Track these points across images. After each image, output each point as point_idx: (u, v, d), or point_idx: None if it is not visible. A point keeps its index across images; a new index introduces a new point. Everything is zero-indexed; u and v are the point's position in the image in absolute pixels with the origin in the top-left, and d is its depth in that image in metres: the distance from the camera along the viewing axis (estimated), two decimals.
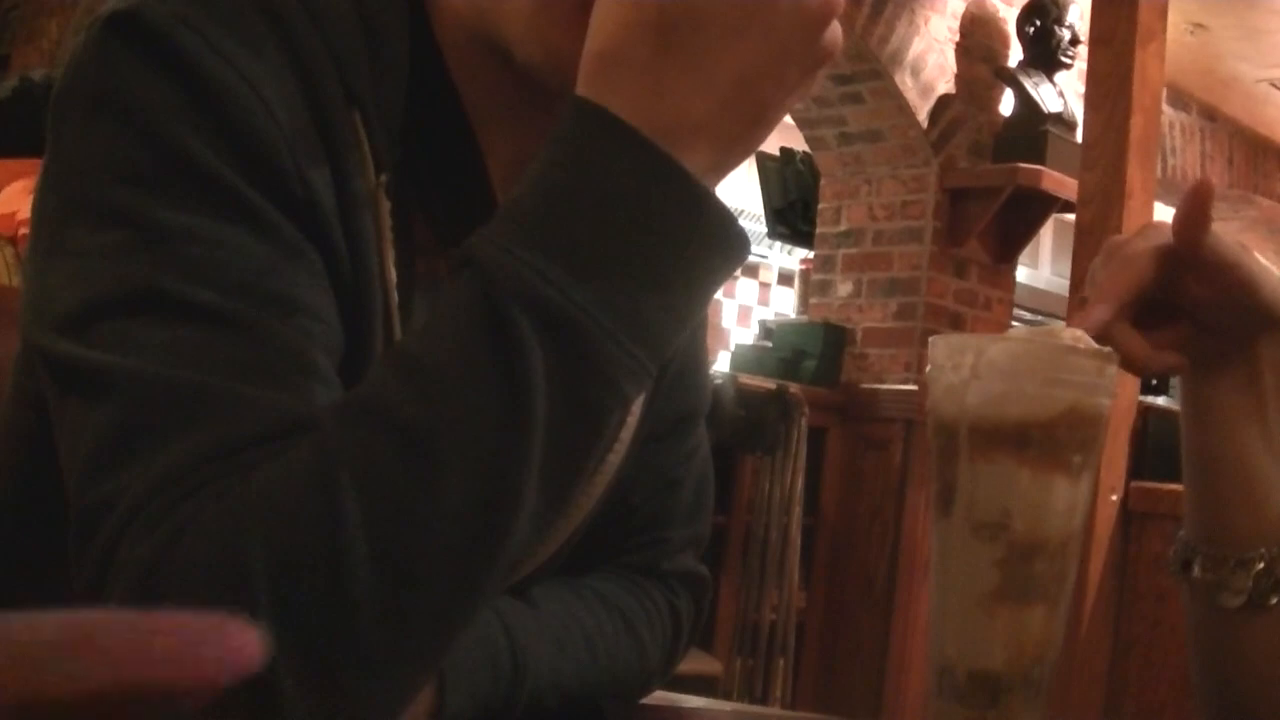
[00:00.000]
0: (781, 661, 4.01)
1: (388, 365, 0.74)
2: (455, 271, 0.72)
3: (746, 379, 4.36)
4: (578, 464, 0.74)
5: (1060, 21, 5.45)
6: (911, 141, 5.37)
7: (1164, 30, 3.62)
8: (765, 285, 8.68)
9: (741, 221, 0.75)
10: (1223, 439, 0.93)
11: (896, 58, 5.28)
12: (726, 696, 3.88)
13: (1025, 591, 0.74)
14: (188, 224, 0.76)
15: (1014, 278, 5.73)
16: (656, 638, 1.10)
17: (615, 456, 1.02)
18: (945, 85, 5.45)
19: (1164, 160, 6.51)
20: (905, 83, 5.31)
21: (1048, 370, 0.73)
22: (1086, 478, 0.74)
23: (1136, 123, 3.49)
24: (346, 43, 0.86)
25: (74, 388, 0.76)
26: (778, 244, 7.21)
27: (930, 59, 5.40)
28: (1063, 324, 0.87)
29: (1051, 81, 5.47)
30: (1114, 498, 3.39)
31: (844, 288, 5.54)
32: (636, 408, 1.02)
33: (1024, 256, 5.88)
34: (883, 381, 5.29)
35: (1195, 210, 0.89)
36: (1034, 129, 5.37)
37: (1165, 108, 5.63)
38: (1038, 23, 5.48)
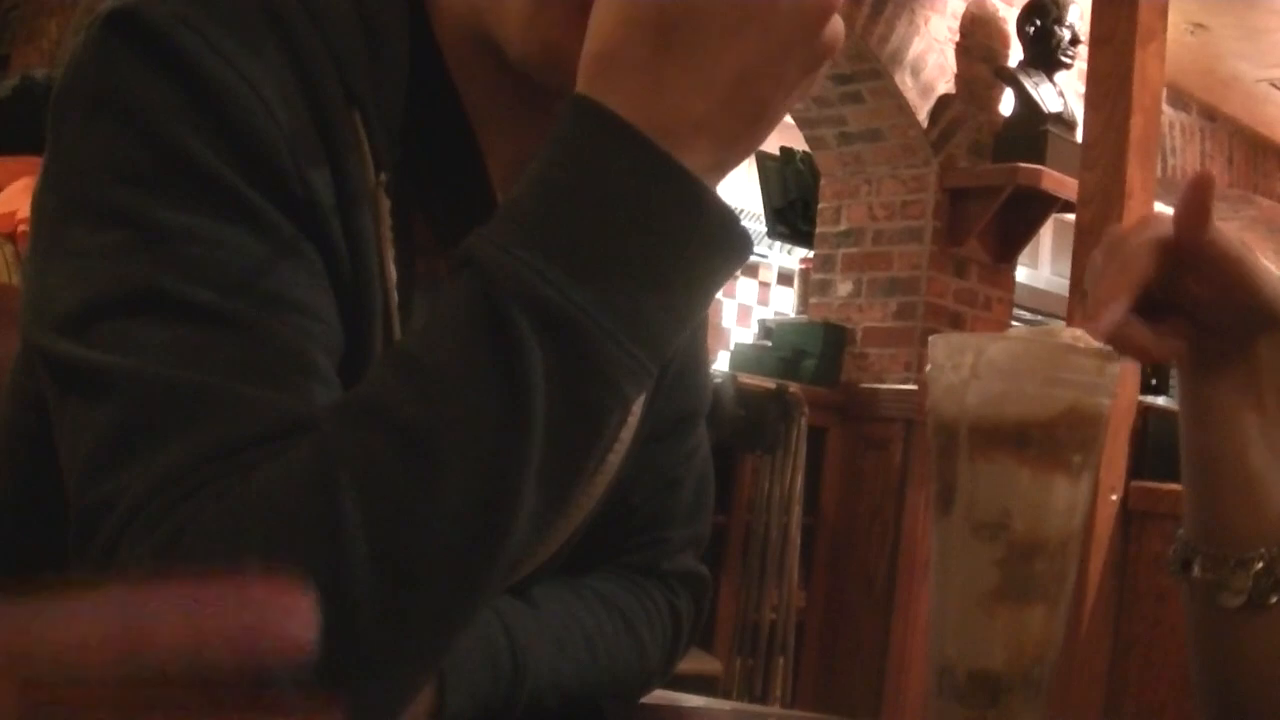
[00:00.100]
0: (781, 661, 4.01)
1: (387, 365, 0.74)
2: (455, 271, 0.72)
3: (746, 378, 4.36)
4: (578, 464, 0.74)
5: (1060, 21, 5.45)
6: (911, 141, 5.37)
7: (1164, 30, 3.62)
8: (765, 285, 8.68)
9: (741, 221, 0.75)
10: (1222, 438, 0.93)
11: (896, 57, 5.28)
12: (726, 696, 3.88)
13: (1025, 591, 0.74)
14: (187, 224, 0.76)
15: (1014, 277, 5.73)
16: (656, 637, 1.10)
17: (615, 456, 1.02)
18: (945, 85, 5.45)
19: (1164, 160, 6.51)
20: (905, 82, 5.31)
21: (1048, 370, 0.73)
22: (1086, 477, 0.74)
23: (1136, 122, 3.49)
24: (346, 42, 0.86)
25: (74, 388, 0.76)
26: (777, 243, 7.21)
27: (930, 59, 5.40)
28: (1062, 323, 0.87)
29: (1051, 81, 5.47)
30: (1114, 497, 3.39)
31: (844, 287, 5.54)
32: (636, 408, 1.02)
33: (1024, 256, 5.88)
34: (883, 381, 5.29)
35: (1196, 202, 0.89)
36: (1034, 129, 5.37)
37: (1165, 107, 5.62)
38: (1038, 22, 5.48)
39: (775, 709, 3.64)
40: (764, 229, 6.42)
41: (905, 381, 5.20)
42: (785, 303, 8.17)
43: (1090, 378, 0.73)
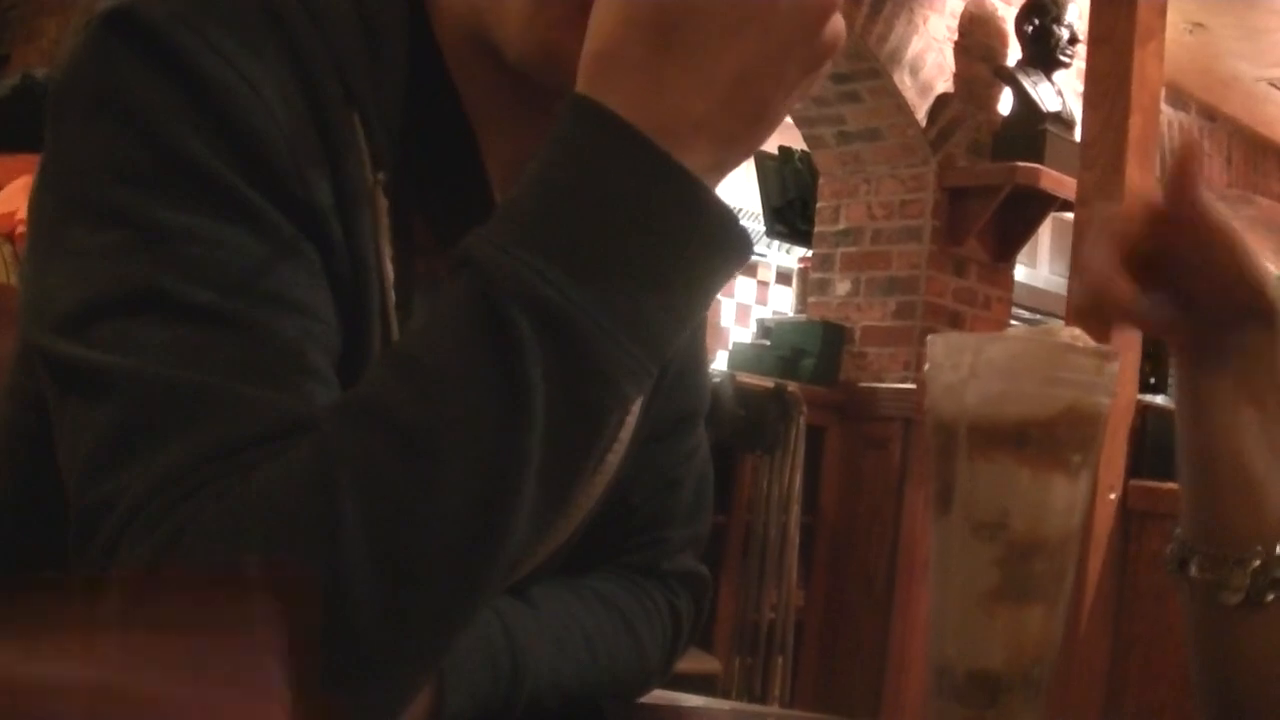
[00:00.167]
0: (780, 660, 4.02)
1: (387, 365, 0.74)
2: (454, 271, 0.72)
3: (745, 378, 4.36)
4: (577, 463, 0.74)
5: (1059, 20, 5.45)
6: (910, 140, 5.37)
7: (1163, 29, 3.62)
8: (764, 284, 8.68)
9: (741, 221, 0.75)
10: (1218, 436, 0.93)
11: (895, 56, 5.28)
12: (725, 695, 3.88)
13: (1024, 591, 0.73)
14: (187, 224, 0.76)
15: (1013, 276, 5.73)
16: (656, 637, 1.10)
17: (614, 456, 1.02)
18: (944, 84, 5.45)
19: (1163, 159, 6.50)
20: (904, 81, 5.31)
21: (1046, 369, 0.73)
22: (1085, 476, 0.74)
23: (1135, 122, 3.49)
24: (346, 42, 0.86)
25: (74, 388, 0.76)
26: (776, 243, 7.21)
27: (929, 58, 5.40)
28: (1061, 322, 0.87)
29: (1050, 80, 5.47)
30: (1112, 496, 3.39)
31: (842, 286, 5.54)
32: (635, 407, 1.02)
33: (1022, 255, 5.88)
34: (881, 380, 5.29)
35: (1184, 168, 0.89)
36: (1033, 128, 5.38)
37: (1164, 107, 5.63)
38: (1036, 22, 5.48)
39: (774, 709, 3.65)
40: (762, 228, 6.42)
41: (904, 381, 5.20)
42: (784, 302, 8.17)
43: (1089, 377, 0.73)
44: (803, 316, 5.84)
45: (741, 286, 8.55)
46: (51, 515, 0.78)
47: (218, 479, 0.69)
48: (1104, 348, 0.75)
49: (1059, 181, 5.15)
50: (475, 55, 0.90)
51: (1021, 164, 5.24)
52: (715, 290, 0.76)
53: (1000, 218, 5.37)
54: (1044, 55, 5.47)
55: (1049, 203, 5.37)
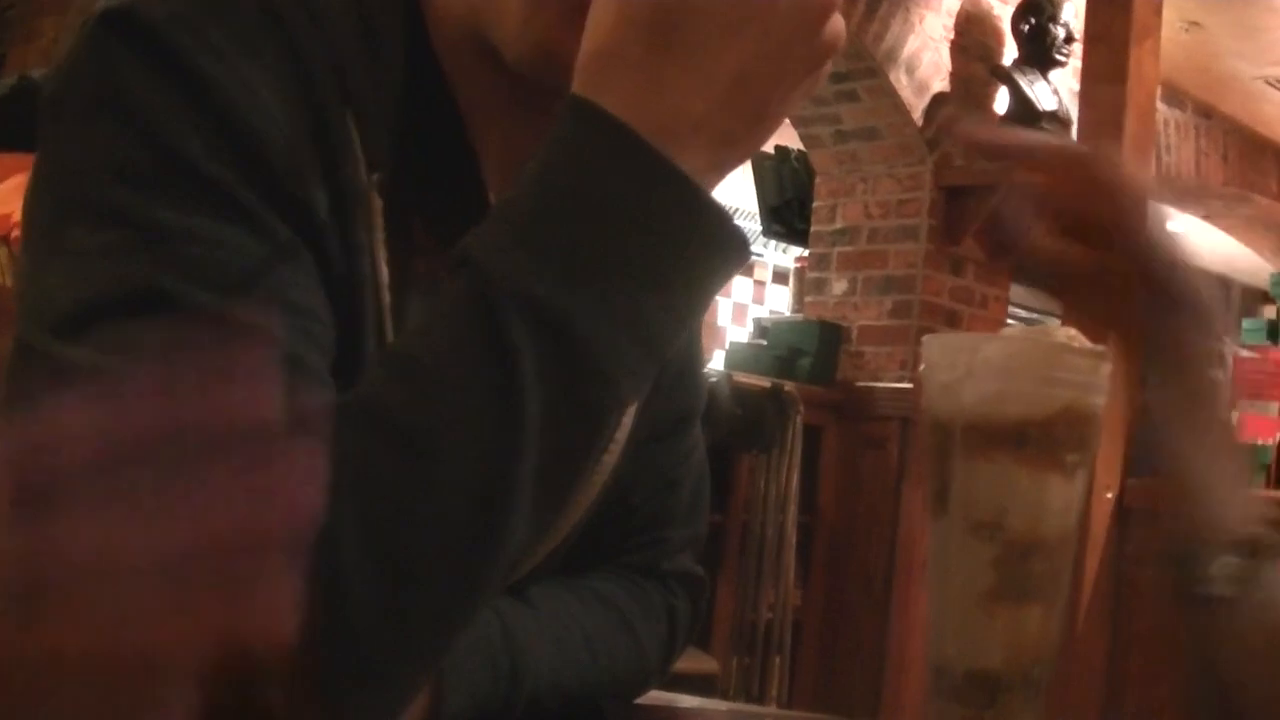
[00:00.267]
0: (778, 660, 4.01)
1: (385, 366, 0.74)
2: (452, 272, 0.72)
3: (742, 377, 4.36)
4: (575, 464, 0.74)
5: (1055, 19, 5.46)
6: (907, 139, 5.37)
7: (1159, 27, 3.63)
8: (760, 283, 8.69)
9: (737, 220, 0.75)
10: (1164, 435, 0.93)
11: (892, 56, 5.28)
12: (723, 695, 3.88)
13: (1022, 591, 0.73)
14: (186, 224, 0.76)
15: (1010, 275, 5.73)
16: (654, 638, 1.10)
17: (610, 457, 1.02)
18: (940, 83, 5.45)
19: (1159, 158, 6.52)
20: (900, 81, 5.31)
21: (1043, 369, 0.73)
22: (1082, 476, 0.74)
23: (1131, 121, 3.49)
24: (345, 43, 0.86)
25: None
26: (773, 242, 7.21)
27: (925, 57, 5.40)
28: (1057, 322, 0.87)
29: (1046, 79, 5.47)
30: (1109, 495, 3.40)
31: (839, 285, 5.54)
32: (631, 407, 1.02)
33: None
34: (879, 379, 5.29)
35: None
36: (1029, 126, 5.37)
37: (1160, 105, 5.63)
38: (1032, 20, 5.49)
39: (771, 709, 3.65)
40: (759, 228, 6.42)
41: (901, 380, 5.20)
42: (781, 301, 8.18)
43: (1085, 377, 0.73)
44: (799, 316, 5.84)
45: (738, 286, 8.55)
46: None
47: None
48: (1100, 348, 0.75)
49: None
50: (472, 56, 0.90)
51: None
52: (713, 291, 0.76)
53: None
54: (1040, 54, 5.47)
55: None
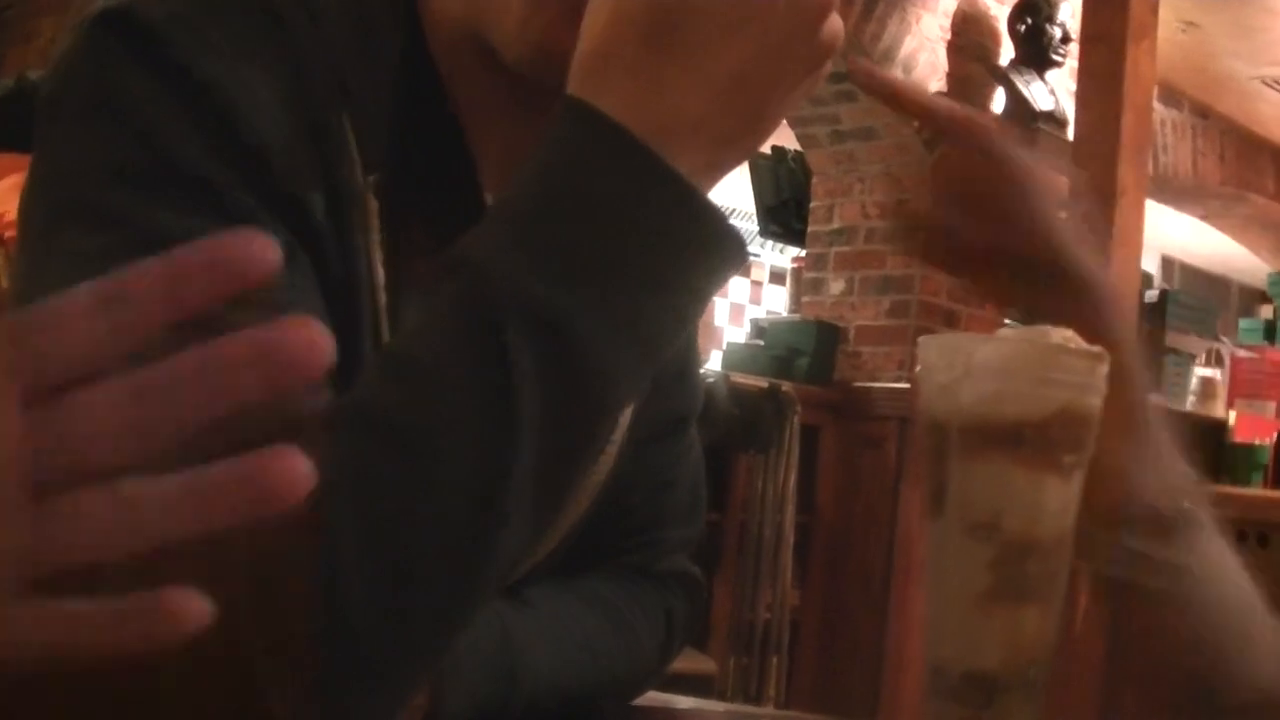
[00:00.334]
0: (776, 660, 4.01)
1: (381, 368, 0.74)
2: (448, 273, 0.72)
3: (739, 378, 4.36)
4: (573, 465, 0.74)
5: (1052, 19, 5.46)
6: (904, 139, 5.37)
7: (1156, 27, 3.64)
8: (757, 284, 8.69)
9: (734, 220, 0.75)
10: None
11: (888, 56, 5.28)
12: (721, 695, 3.88)
13: (1019, 591, 0.73)
14: (182, 226, 0.76)
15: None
16: (651, 638, 1.10)
17: (608, 457, 1.02)
18: (937, 83, 5.45)
19: (1156, 158, 6.52)
20: None
21: (1039, 370, 0.73)
22: (1078, 477, 0.74)
23: (1128, 120, 3.50)
24: (341, 43, 0.86)
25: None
26: (770, 242, 7.21)
27: (922, 57, 5.40)
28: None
29: (1043, 79, 5.47)
30: None
31: (836, 286, 5.54)
32: (628, 407, 1.02)
33: None
34: (876, 379, 5.29)
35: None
36: (1025, 127, 5.37)
37: (1157, 105, 5.63)
38: (1029, 21, 5.49)
39: (769, 710, 3.65)
40: (756, 228, 6.42)
41: (899, 380, 5.20)
42: (778, 301, 8.18)
43: (1082, 378, 0.73)
44: (797, 316, 5.84)
45: (736, 286, 8.55)
46: None
47: None
48: (1096, 349, 0.75)
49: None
50: (470, 56, 0.90)
51: None
52: (711, 292, 0.76)
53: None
54: (1037, 54, 5.47)
55: None
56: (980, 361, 0.73)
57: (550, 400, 0.70)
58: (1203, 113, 7.01)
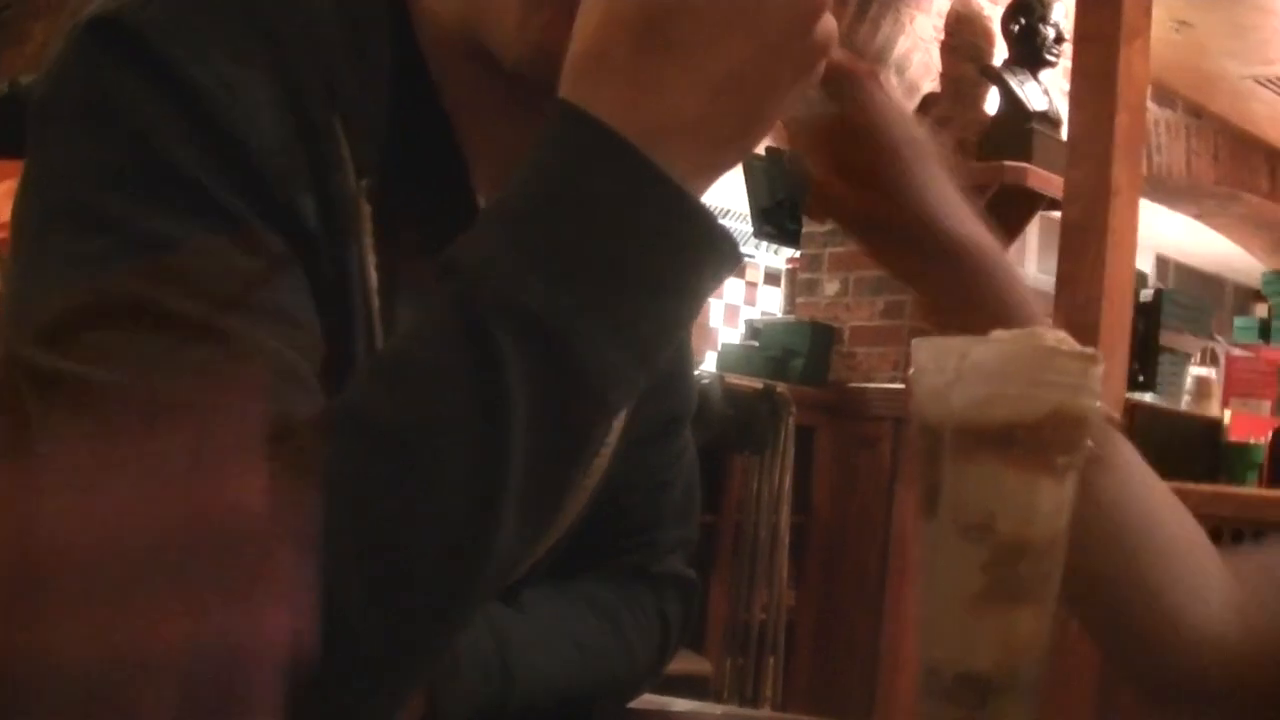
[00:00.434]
0: (772, 660, 4.02)
1: (371, 373, 0.74)
2: (440, 278, 0.72)
3: (734, 378, 4.37)
4: (564, 471, 0.74)
5: (1045, 20, 5.46)
6: None
7: (1149, 27, 3.63)
8: (752, 285, 8.68)
9: (728, 222, 0.75)
10: None
11: (882, 57, 5.28)
12: (717, 697, 3.89)
13: (1013, 593, 0.73)
14: (171, 233, 0.76)
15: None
16: (646, 641, 1.10)
17: (601, 460, 1.01)
18: (930, 84, 5.45)
19: (1150, 157, 6.52)
20: (890, 82, 5.31)
21: (1032, 372, 0.73)
22: (1072, 478, 0.74)
23: (1122, 120, 3.50)
24: (331, 47, 0.86)
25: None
26: (764, 243, 7.21)
27: (915, 58, 5.40)
28: (1049, 321, 0.87)
29: (1036, 79, 5.47)
30: None
31: (831, 286, 5.54)
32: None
33: (1010, 254, 5.87)
34: (871, 380, 5.29)
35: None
36: (1019, 127, 5.38)
37: (1151, 105, 5.64)
38: (1022, 21, 5.49)
39: (765, 711, 3.65)
40: (750, 229, 6.43)
41: (893, 381, 5.20)
42: (773, 302, 8.18)
43: (1075, 379, 0.73)
44: (791, 317, 5.85)
45: (730, 287, 8.55)
46: None
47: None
48: (1090, 350, 0.75)
49: (1046, 180, 5.15)
50: (463, 57, 0.90)
51: (1009, 163, 5.25)
52: (704, 297, 0.76)
53: (988, 217, 5.35)
54: (1030, 54, 5.47)
55: (1036, 201, 5.37)
56: (973, 363, 0.73)
57: (544, 403, 0.70)
58: (1196, 112, 7.01)
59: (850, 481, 5.21)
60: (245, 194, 0.78)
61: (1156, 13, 3.68)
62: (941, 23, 5.53)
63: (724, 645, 4.02)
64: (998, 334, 0.76)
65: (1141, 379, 5.07)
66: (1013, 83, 5.43)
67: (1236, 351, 5.86)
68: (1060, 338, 0.75)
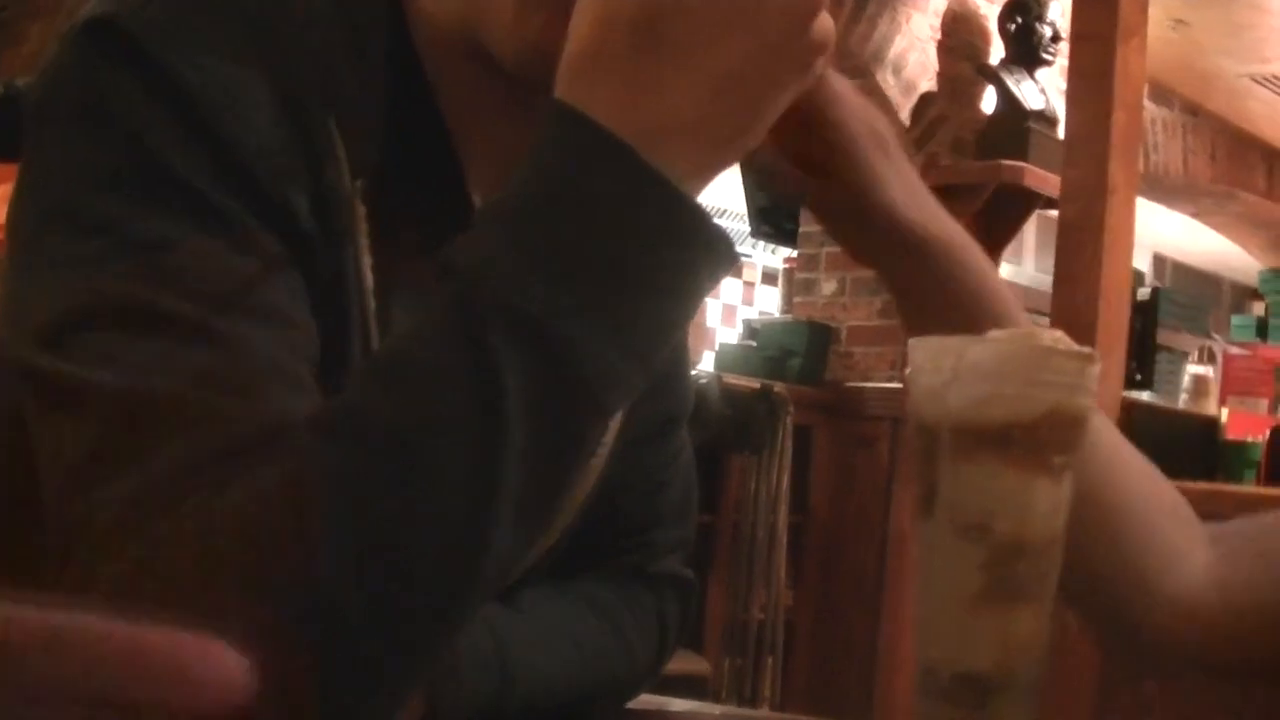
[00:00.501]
0: (770, 660, 4.02)
1: (371, 372, 0.74)
2: (439, 278, 0.72)
3: (732, 378, 4.37)
4: (564, 469, 0.74)
5: (1041, 18, 5.46)
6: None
7: (1145, 26, 3.63)
8: (749, 284, 8.66)
9: (725, 221, 0.75)
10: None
11: (878, 56, 5.28)
12: (715, 697, 3.89)
13: (1010, 593, 0.73)
14: (167, 234, 0.76)
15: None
16: (644, 641, 1.10)
17: (598, 460, 1.01)
18: (927, 83, 5.45)
19: (1146, 156, 6.52)
20: (887, 81, 5.31)
21: (1029, 372, 0.73)
22: (1069, 477, 0.74)
23: (1119, 119, 3.50)
24: (327, 48, 0.86)
25: (52, 402, 0.75)
26: (762, 243, 7.21)
27: (912, 57, 5.40)
28: (1046, 320, 0.87)
29: (1033, 78, 5.48)
30: None
31: (828, 286, 5.54)
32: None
33: (1007, 253, 5.88)
34: (869, 379, 5.29)
35: None
36: (1016, 126, 5.38)
37: (1147, 103, 5.64)
38: (1019, 20, 5.49)
39: (764, 711, 3.65)
40: (747, 229, 6.42)
41: (891, 380, 5.20)
42: (770, 302, 8.17)
43: (1072, 379, 0.73)
44: (789, 316, 5.84)
45: (727, 287, 8.52)
46: (32, 530, 0.77)
47: (196, 493, 0.69)
48: (1087, 350, 0.75)
49: (1043, 179, 5.15)
50: (460, 57, 0.90)
51: (1006, 162, 5.25)
52: (699, 297, 0.76)
53: (985, 216, 5.37)
54: (1027, 53, 5.48)
55: (1033, 200, 5.37)
56: (970, 363, 0.73)
57: (542, 403, 0.70)
58: (1193, 110, 7.01)
59: (848, 481, 5.21)
60: (241, 195, 0.78)
61: (1153, 11, 3.69)
62: (938, 22, 5.53)
63: (722, 645, 4.02)
64: (994, 334, 0.76)
65: (1139, 377, 5.06)
66: (1009, 82, 5.43)
67: (1234, 350, 5.85)
68: (1057, 337, 0.75)
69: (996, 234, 5.51)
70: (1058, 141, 4.56)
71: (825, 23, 0.76)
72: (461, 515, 0.69)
